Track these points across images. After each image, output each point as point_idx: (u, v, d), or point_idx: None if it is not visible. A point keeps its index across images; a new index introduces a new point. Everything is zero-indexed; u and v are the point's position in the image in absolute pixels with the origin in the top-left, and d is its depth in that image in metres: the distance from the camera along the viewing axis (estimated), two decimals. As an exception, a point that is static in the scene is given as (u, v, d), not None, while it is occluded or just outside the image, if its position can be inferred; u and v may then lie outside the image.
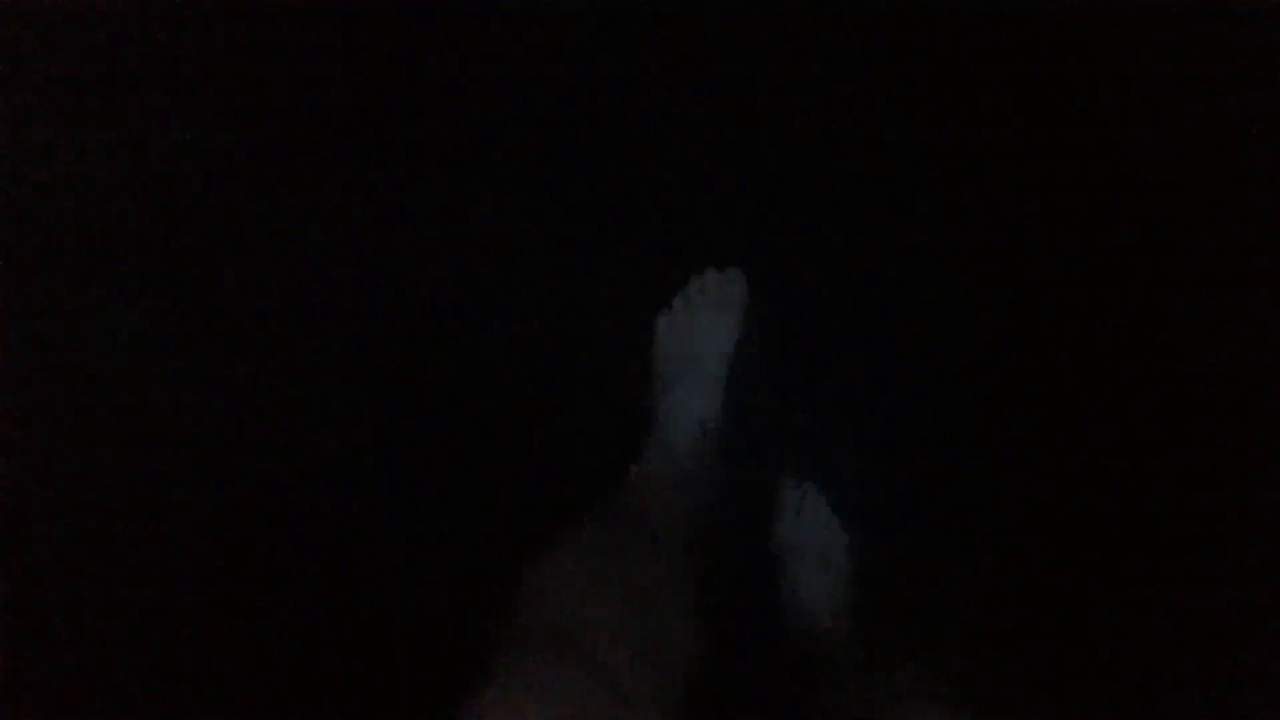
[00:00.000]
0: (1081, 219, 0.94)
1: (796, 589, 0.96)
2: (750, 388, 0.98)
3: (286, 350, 0.96)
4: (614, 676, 0.65)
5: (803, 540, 0.97)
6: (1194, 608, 0.86)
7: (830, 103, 1.00)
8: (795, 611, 0.95)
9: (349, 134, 0.98)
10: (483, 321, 0.98)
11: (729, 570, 0.95)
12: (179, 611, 0.89)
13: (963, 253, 0.98)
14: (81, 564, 0.89)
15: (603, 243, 1.01)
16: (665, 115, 1.01)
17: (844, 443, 0.99)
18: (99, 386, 0.92)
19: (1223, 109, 0.89)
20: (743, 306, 0.98)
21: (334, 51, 0.98)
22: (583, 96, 1.00)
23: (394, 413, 0.96)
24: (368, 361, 0.97)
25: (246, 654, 0.89)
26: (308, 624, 0.90)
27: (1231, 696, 0.81)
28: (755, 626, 0.94)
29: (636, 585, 0.75)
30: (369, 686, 0.89)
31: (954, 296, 0.98)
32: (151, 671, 0.87)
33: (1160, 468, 0.90)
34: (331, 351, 0.96)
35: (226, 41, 0.96)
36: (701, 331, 0.98)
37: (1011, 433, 0.96)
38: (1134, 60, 0.92)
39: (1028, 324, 0.96)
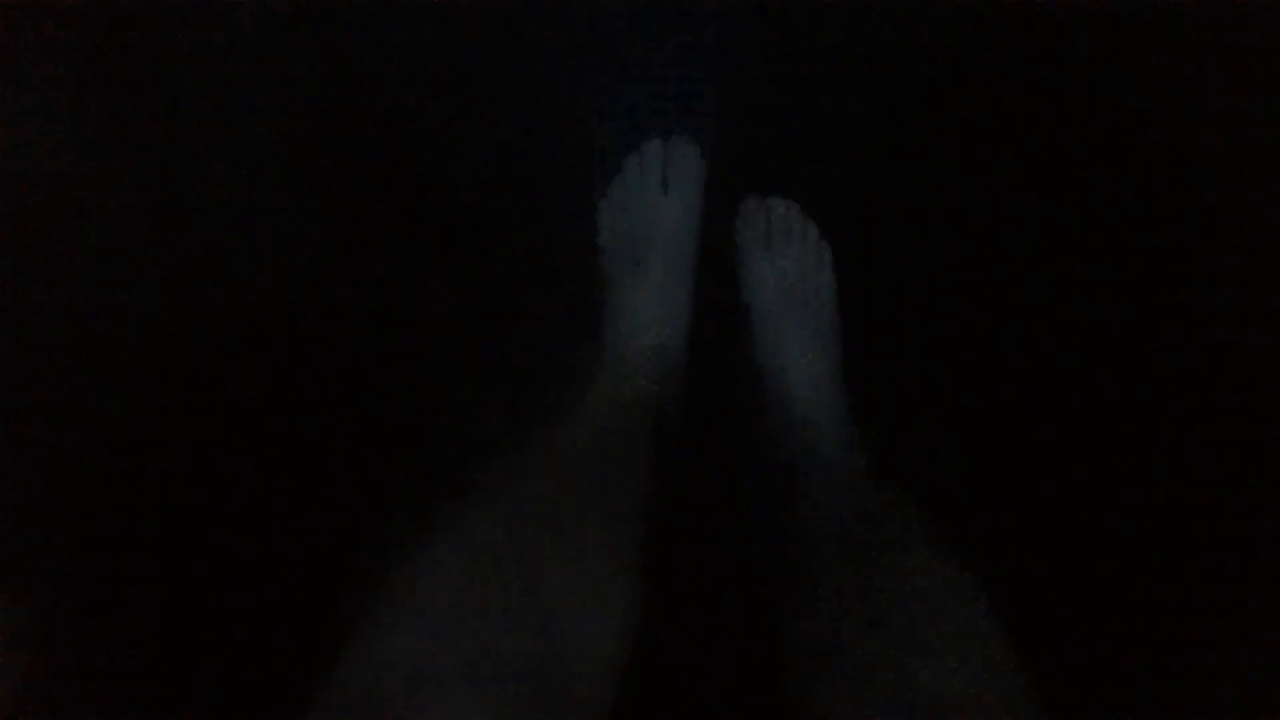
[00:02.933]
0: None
1: (774, 349, 0.78)
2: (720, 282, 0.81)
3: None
4: None
5: (776, 279, 0.79)
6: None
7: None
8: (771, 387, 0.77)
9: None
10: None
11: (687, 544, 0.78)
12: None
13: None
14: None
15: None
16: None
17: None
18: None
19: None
20: (701, 178, 0.81)
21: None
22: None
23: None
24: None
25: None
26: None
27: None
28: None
29: (551, 582, 0.52)
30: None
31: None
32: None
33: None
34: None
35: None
36: (650, 209, 0.80)
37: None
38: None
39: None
